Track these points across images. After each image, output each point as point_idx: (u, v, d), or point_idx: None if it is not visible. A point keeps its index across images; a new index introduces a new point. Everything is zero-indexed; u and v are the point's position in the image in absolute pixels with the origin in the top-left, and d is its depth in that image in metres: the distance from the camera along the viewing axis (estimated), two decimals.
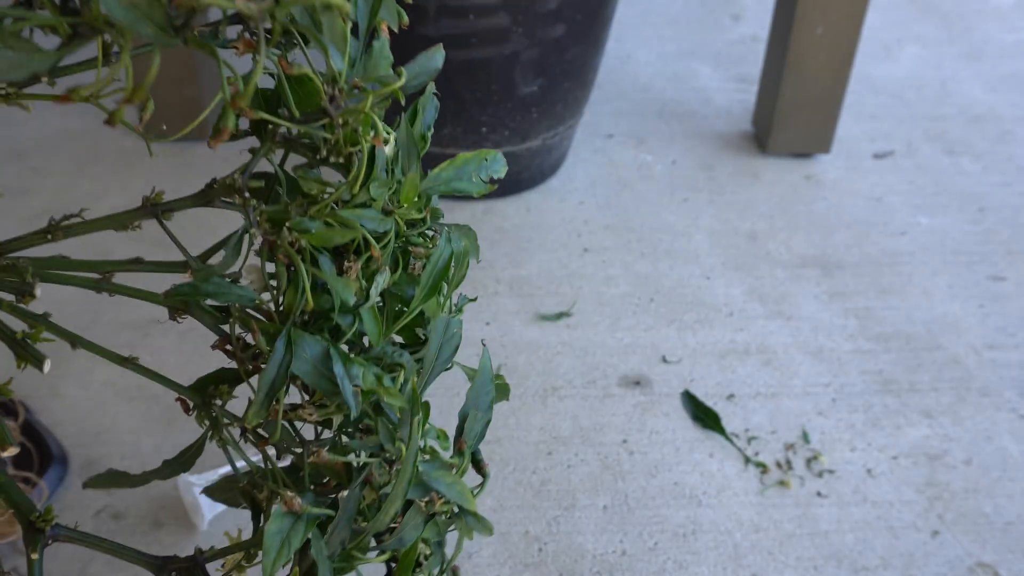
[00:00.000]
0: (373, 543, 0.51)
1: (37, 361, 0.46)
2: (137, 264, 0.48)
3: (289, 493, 0.44)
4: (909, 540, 0.89)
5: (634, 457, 0.96)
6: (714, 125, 1.53)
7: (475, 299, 0.60)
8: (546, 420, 1.00)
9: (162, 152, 1.41)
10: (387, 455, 0.49)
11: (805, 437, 0.99)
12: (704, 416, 1.00)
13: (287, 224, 0.43)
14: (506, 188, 1.35)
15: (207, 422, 0.50)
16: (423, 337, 0.54)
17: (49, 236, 0.46)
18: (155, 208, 0.46)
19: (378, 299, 0.48)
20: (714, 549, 0.87)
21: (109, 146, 1.42)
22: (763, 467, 0.96)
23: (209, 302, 0.48)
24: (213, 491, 0.56)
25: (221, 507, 0.88)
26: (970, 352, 1.10)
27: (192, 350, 1.07)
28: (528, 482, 0.93)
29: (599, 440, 0.98)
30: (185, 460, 0.54)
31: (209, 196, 0.45)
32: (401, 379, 0.49)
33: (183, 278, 0.46)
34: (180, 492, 0.90)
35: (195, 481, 0.88)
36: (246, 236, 0.45)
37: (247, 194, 0.44)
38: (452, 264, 0.51)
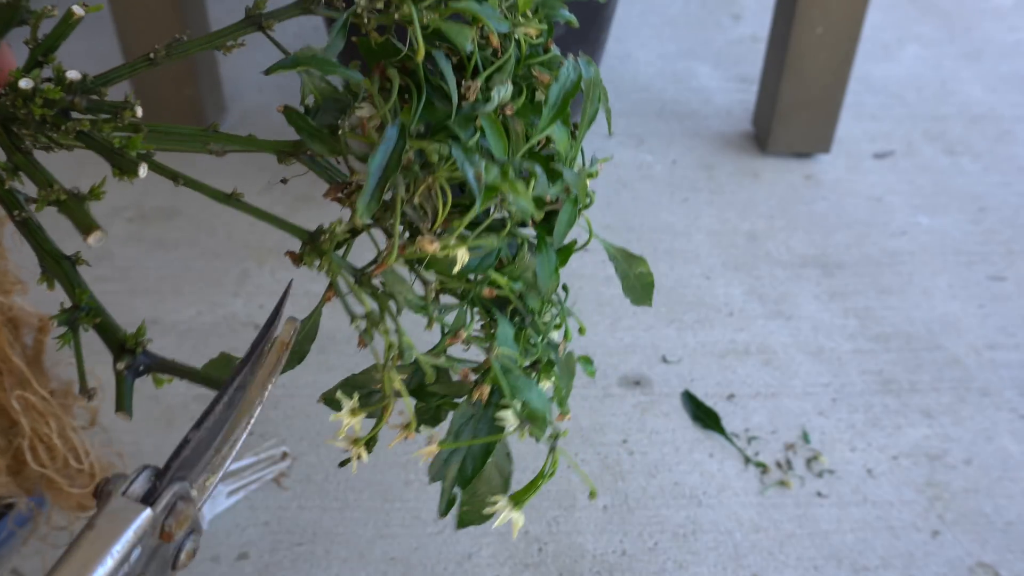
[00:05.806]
0: None
1: (133, 165, 0.44)
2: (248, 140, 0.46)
3: None
4: (909, 540, 0.89)
5: (634, 457, 0.96)
6: (714, 125, 1.53)
7: (612, 134, 0.52)
8: None
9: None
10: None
11: (805, 437, 0.99)
12: (704, 416, 1.00)
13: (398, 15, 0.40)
14: None
15: (318, 262, 0.45)
16: None
17: (152, 56, 0.45)
18: (258, 17, 0.44)
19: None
20: (714, 549, 0.87)
21: None
22: (763, 467, 0.95)
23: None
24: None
25: (221, 507, 0.88)
26: (970, 352, 1.10)
27: (191, 349, 1.07)
28: (528, 482, 0.93)
29: (599, 440, 0.98)
30: (307, 332, 0.49)
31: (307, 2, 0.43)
32: (532, 186, 0.44)
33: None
34: None
35: None
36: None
37: None
38: (581, 89, 0.46)
